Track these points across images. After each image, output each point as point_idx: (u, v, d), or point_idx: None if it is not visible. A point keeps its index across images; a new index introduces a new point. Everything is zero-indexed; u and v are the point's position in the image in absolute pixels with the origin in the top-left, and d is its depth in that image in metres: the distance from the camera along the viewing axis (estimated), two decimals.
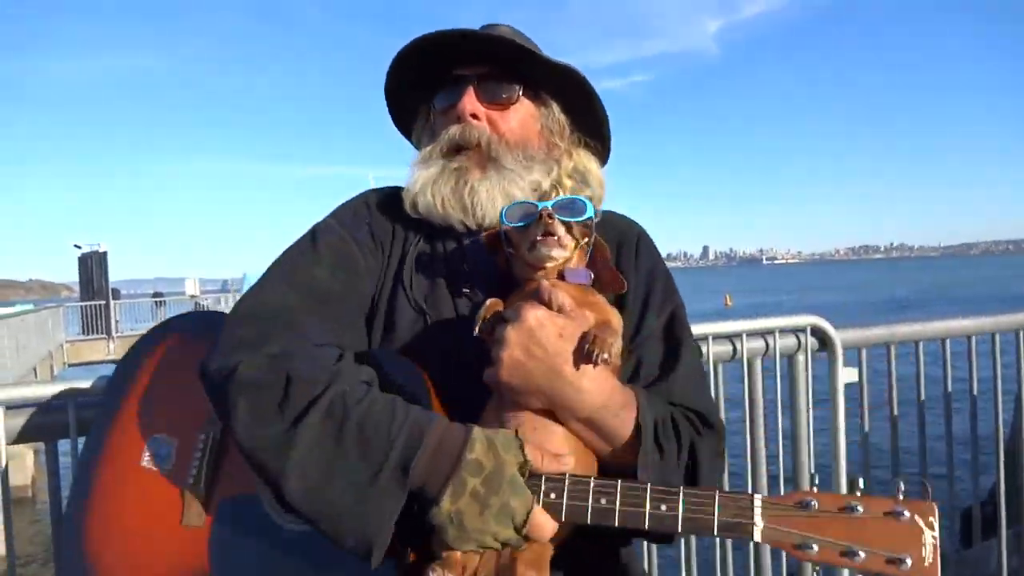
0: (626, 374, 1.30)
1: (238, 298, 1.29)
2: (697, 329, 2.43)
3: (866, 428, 2.77)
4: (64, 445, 1.69)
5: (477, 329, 1.19)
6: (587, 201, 1.29)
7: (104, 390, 1.41)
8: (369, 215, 1.44)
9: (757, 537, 1.02)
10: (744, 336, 2.52)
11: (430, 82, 1.46)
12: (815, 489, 1.05)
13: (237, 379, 1.11)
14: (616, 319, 1.24)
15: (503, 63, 1.40)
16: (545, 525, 1.05)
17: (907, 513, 0.99)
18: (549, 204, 1.26)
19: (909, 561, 0.97)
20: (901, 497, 1.01)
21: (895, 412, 2.83)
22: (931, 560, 0.97)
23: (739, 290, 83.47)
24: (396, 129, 1.60)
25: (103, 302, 26.71)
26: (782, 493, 2.63)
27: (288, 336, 1.17)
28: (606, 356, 1.12)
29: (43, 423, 1.66)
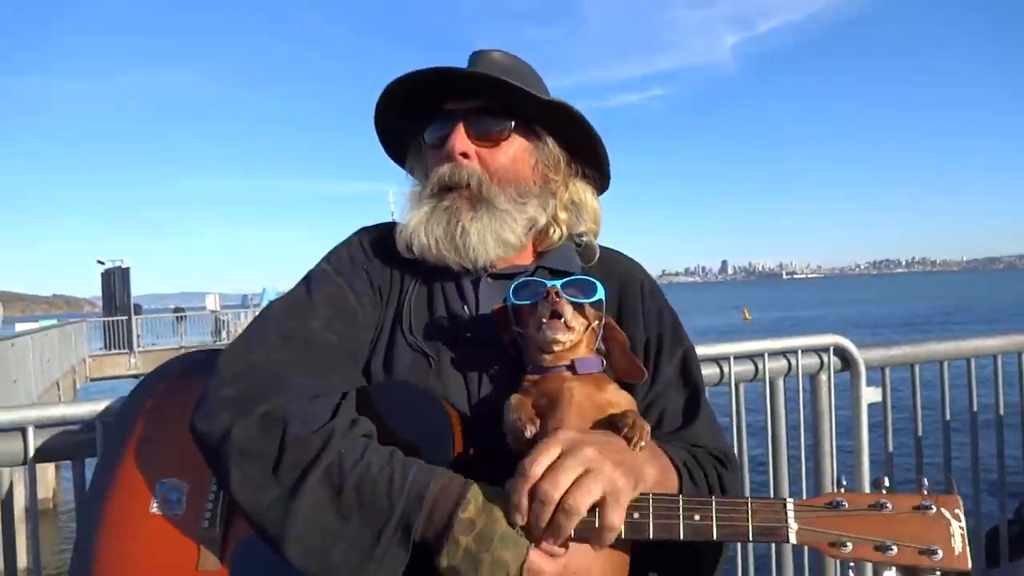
0: (651, 423, 1.27)
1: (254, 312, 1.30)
2: (718, 349, 2.43)
3: (890, 448, 2.74)
4: (91, 465, 1.71)
5: (528, 432, 1.13)
6: (597, 282, 1.26)
7: (103, 435, 1.37)
8: (367, 260, 1.41)
9: (792, 539, 1.04)
10: (766, 356, 2.51)
11: (422, 113, 1.43)
12: (842, 490, 1.08)
13: (231, 444, 1.10)
14: (631, 407, 1.23)
15: (494, 97, 1.36)
16: (545, 570, 1.04)
17: (934, 507, 1.02)
18: (559, 283, 1.23)
19: (940, 552, 1.00)
20: (926, 492, 1.04)
21: (919, 432, 2.80)
22: (960, 549, 1.00)
23: (758, 305, 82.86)
24: (389, 158, 1.56)
25: (125, 317, 27.01)
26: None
27: (278, 393, 1.15)
28: (643, 444, 1.11)
29: (71, 442, 1.69)
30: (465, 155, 1.35)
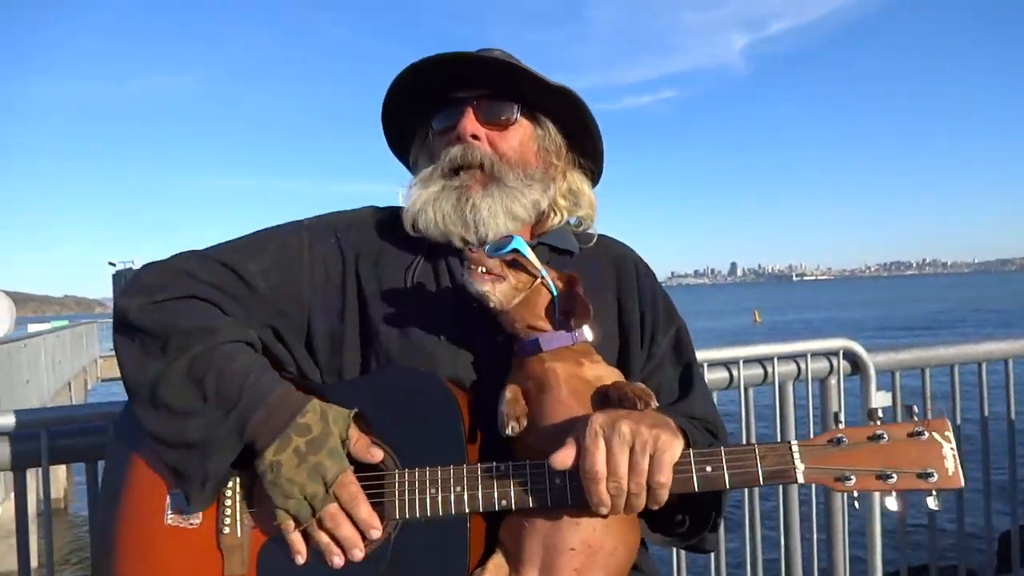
0: None
1: None
2: (728, 353, 2.43)
3: None
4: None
5: (509, 429, 1.19)
6: (515, 236, 1.29)
7: (106, 452, 1.36)
8: (347, 231, 1.45)
9: (800, 479, 1.11)
10: (776, 360, 2.51)
11: (427, 105, 1.48)
12: (841, 425, 1.15)
13: (128, 321, 1.26)
14: (619, 378, 1.26)
15: (500, 85, 1.42)
16: (356, 495, 1.15)
17: (926, 432, 1.09)
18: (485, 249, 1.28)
19: (936, 474, 1.07)
20: (916, 419, 1.11)
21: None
22: (953, 469, 1.07)
23: (768, 308, 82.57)
24: (392, 152, 1.60)
25: None
26: (814, 516, 2.61)
27: (181, 289, 1.29)
28: (654, 403, 1.15)
29: (84, 444, 1.70)
30: (476, 137, 1.41)
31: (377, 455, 1.18)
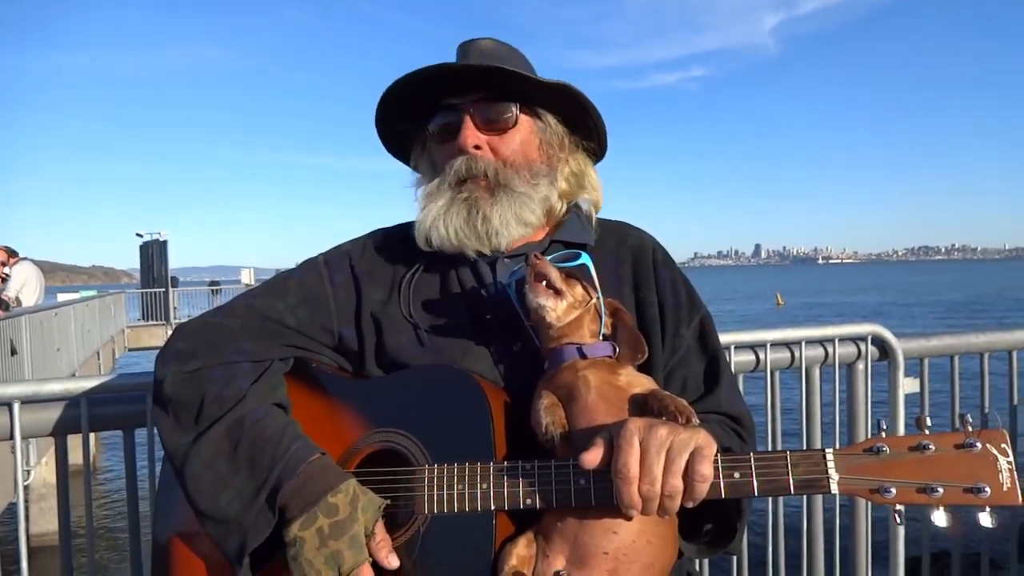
0: (675, 391, 1.32)
1: None
2: (755, 336, 2.43)
3: None
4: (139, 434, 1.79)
5: (551, 436, 1.19)
6: (581, 252, 1.31)
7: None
8: (360, 257, 1.48)
9: (834, 489, 1.04)
10: (803, 344, 2.50)
11: (422, 111, 1.46)
12: (882, 434, 1.06)
13: (163, 391, 1.30)
14: (653, 386, 1.26)
15: (495, 86, 1.38)
16: None
17: (978, 443, 1.01)
18: (548, 259, 1.28)
19: (988, 489, 0.99)
20: (970, 429, 1.03)
21: (957, 425, 2.76)
22: (1009, 485, 0.99)
23: (792, 291, 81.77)
24: (393, 157, 1.60)
25: (162, 289, 27.52)
26: (837, 506, 2.61)
27: (214, 355, 1.31)
28: (696, 420, 1.13)
29: (123, 413, 1.75)
30: (477, 147, 1.39)
31: (393, 562, 1.17)
